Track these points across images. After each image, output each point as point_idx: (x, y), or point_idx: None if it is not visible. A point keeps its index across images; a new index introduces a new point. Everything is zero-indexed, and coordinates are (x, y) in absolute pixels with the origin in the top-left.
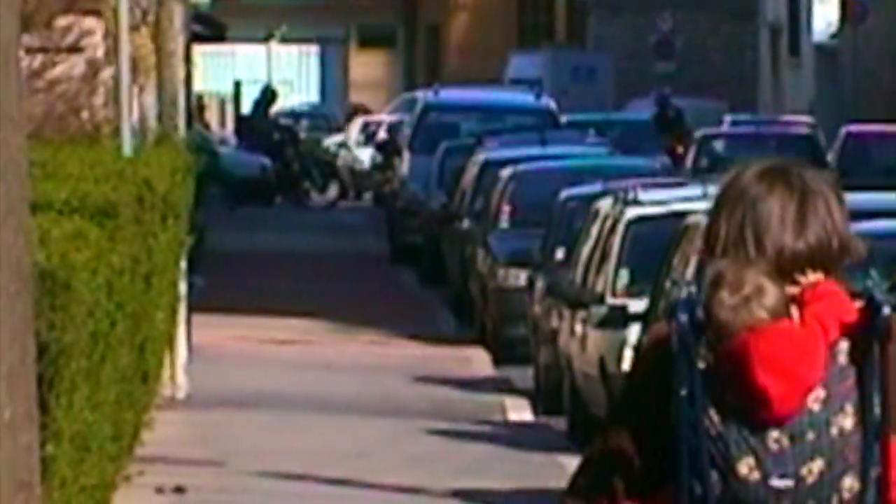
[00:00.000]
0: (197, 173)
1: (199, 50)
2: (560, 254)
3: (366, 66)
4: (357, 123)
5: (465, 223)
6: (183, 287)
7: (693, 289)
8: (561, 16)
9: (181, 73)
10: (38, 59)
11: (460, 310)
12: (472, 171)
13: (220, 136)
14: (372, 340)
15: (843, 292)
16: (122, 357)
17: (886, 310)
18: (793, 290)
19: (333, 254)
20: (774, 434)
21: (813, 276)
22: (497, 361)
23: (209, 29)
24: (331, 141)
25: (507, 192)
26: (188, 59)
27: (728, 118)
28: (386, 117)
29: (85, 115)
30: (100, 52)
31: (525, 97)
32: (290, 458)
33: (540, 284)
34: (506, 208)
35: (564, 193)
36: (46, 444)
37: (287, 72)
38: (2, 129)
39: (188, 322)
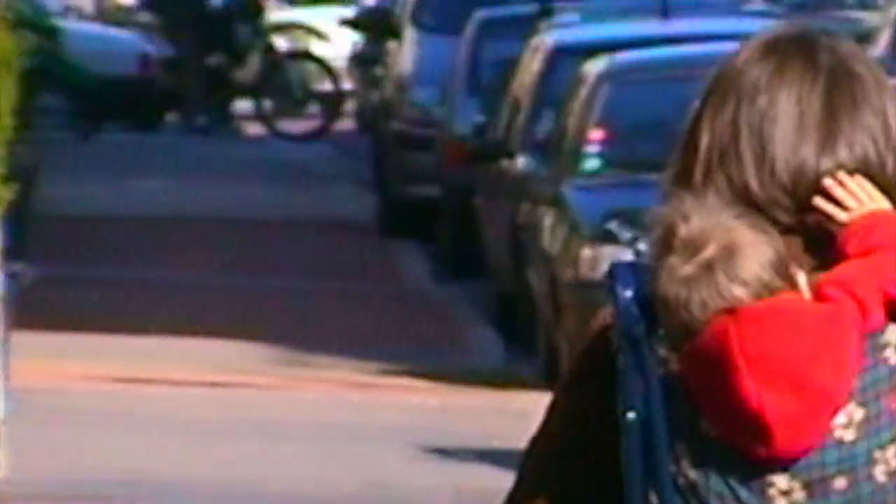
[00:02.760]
0: (23, 70)
1: None
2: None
3: None
4: None
5: (520, 162)
6: None
7: (643, 245)
8: None
9: None
10: None
11: (510, 323)
12: (531, 64)
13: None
14: (349, 381)
15: None
16: None
17: None
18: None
19: (278, 221)
20: (780, 481)
21: (867, 200)
22: None
23: None
24: (280, 16)
25: (599, 106)
26: None
27: None
28: None
29: None
30: None
31: None
32: None
33: None
34: (596, 134)
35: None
36: None
37: None
38: None
39: (3, 343)
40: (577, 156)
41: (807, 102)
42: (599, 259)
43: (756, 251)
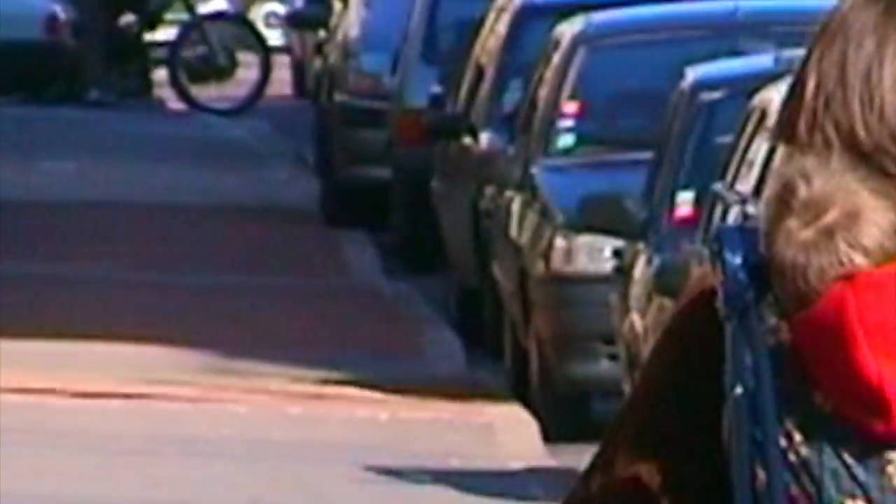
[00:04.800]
0: None
1: None
2: (684, 206)
3: None
4: None
5: (484, 139)
6: None
7: (752, 208)
8: None
9: None
10: None
11: (473, 324)
12: (496, 26)
13: None
14: (288, 391)
15: None
16: None
17: None
18: None
19: (205, 208)
20: None
21: None
22: (551, 437)
23: None
24: None
25: (574, 74)
26: None
27: None
28: None
29: None
30: None
31: None
32: None
33: (643, 269)
34: (569, 107)
35: (693, 75)
36: None
37: None
38: None
39: None
40: (549, 132)
41: None
42: (574, 250)
43: (879, 217)
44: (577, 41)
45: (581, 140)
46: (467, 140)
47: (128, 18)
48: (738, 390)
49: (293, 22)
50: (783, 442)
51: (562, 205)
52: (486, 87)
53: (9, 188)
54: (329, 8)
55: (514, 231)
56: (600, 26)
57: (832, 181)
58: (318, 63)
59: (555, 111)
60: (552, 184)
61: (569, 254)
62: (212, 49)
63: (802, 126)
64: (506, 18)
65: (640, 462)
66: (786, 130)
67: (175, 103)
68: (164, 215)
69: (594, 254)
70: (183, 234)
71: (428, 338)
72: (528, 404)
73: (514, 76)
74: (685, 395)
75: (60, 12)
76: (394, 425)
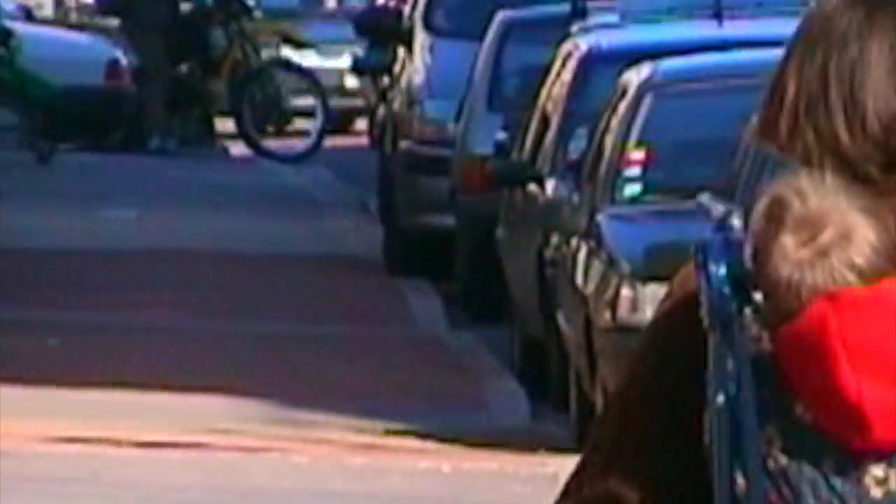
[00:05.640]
0: None
1: None
2: (739, 222)
3: None
4: None
5: (549, 187)
6: None
7: (736, 219)
8: None
9: None
10: None
11: (537, 374)
12: (562, 74)
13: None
14: (350, 442)
15: None
16: None
17: None
18: None
19: (267, 256)
20: (876, 470)
21: None
22: None
23: None
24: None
25: (641, 121)
26: None
27: None
28: None
29: None
30: None
31: None
32: None
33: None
34: (636, 155)
35: None
36: None
37: None
38: None
39: None
40: (616, 180)
41: None
42: (641, 300)
43: (871, 236)
44: (643, 88)
45: (647, 188)
46: (532, 188)
47: (189, 65)
48: (721, 398)
49: (357, 69)
50: (763, 449)
51: (628, 254)
52: (551, 134)
53: (71, 236)
54: (393, 54)
55: (579, 280)
56: (667, 73)
57: (827, 199)
58: (382, 110)
59: (621, 159)
60: (618, 232)
61: (635, 303)
62: (275, 96)
63: (783, 129)
64: (571, 65)
65: (618, 470)
66: (767, 132)
67: (237, 150)
68: (226, 264)
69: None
70: (245, 282)
71: (492, 388)
72: None
73: (580, 123)
74: (666, 399)
75: (122, 58)
76: (457, 477)
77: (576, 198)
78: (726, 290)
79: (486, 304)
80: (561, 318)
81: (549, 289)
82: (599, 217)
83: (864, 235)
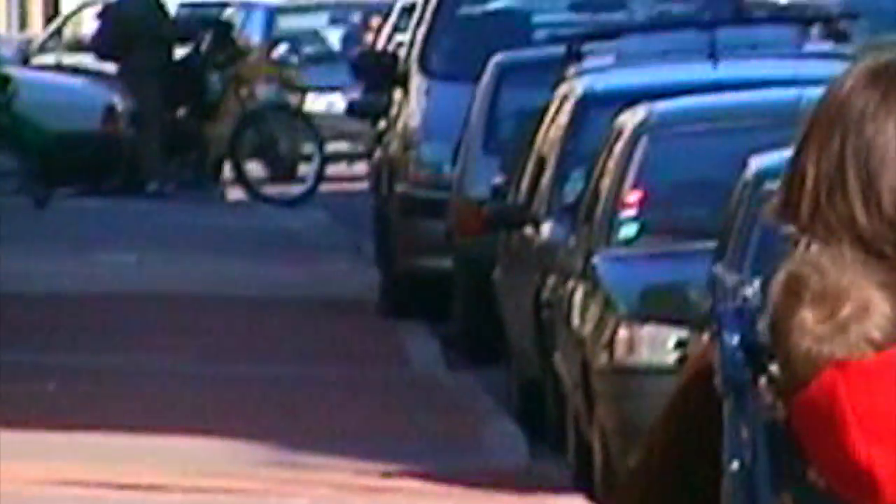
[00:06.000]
0: None
1: None
2: (752, 292)
3: None
4: (253, 14)
5: (546, 229)
6: None
7: (751, 290)
8: None
9: None
10: None
11: (535, 416)
12: (558, 116)
13: (19, 41)
14: (349, 484)
15: None
16: None
17: None
18: None
19: (265, 299)
20: None
21: None
22: None
23: None
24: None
25: (637, 163)
26: None
27: None
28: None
29: None
30: None
31: None
32: None
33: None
34: (632, 197)
35: (757, 165)
36: None
37: None
38: None
39: None
40: (612, 222)
41: None
42: (637, 341)
43: (888, 310)
44: (639, 130)
45: (643, 230)
46: (529, 230)
47: (186, 109)
48: (735, 464)
49: (353, 112)
50: None
51: (624, 295)
52: (547, 176)
53: (68, 280)
54: (389, 97)
55: (576, 322)
56: (663, 115)
57: (845, 275)
58: (378, 153)
59: (617, 201)
60: (614, 274)
61: (632, 345)
62: (272, 139)
63: (805, 211)
64: (567, 108)
65: None
66: (789, 212)
67: (234, 194)
68: (223, 307)
69: (657, 345)
70: (242, 326)
71: (490, 430)
72: (591, 497)
73: (576, 166)
74: (685, 470)
75: (118, 103)
76: None
77: (572, 240)
78: (740, 358)
79: (483, 345)
80: (558, 360)
81: (546, 330)
82: (596, 259)
83: (882, 310)
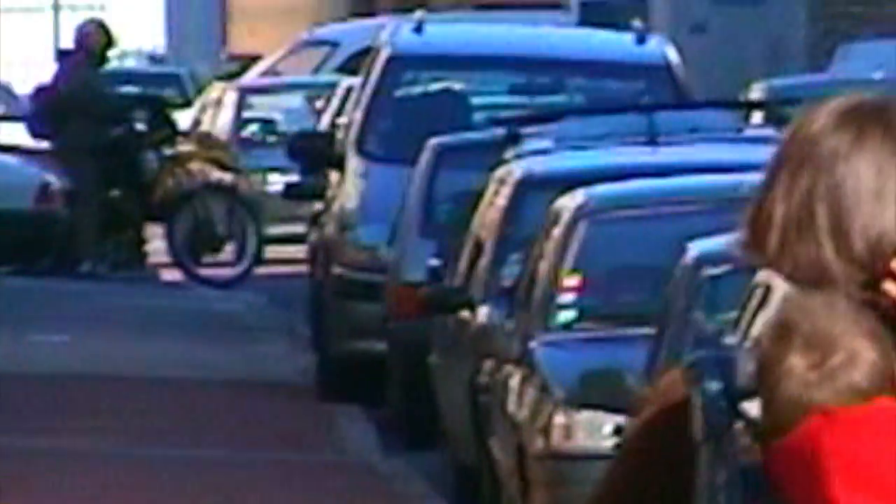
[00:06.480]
0: None
1: None
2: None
3: None
4: (227, 94)
5: (482, 313)
6: None
7: (729, 337)
8: None
9: None
10: None
11: (471, 501)
12: (495, 199)
13: None
14: None
15: None
16: None
17: None
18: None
19: (199, 382)
20: None
21: None
22: None
23: None
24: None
25: (575, 247)
26: None
27: None
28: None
29: None
30: None
31: (612, 40)
32: None
33: None
34: (569, 282)
35: (696, 250)
36: None
37: None
38: None
39: None
40: (549, 306)
41: (887, 174)
42: (574, 427)
43: (876, 359)
44: (577, 214)
45: (581, 315)
46: (465, 314)
47: (121, 188)
48: None
49: (289, 193)
50: None
51: (561, 381)
52: (484, 260)
53: (1, 361)
54: (326, 178)
55: (512, 407)
56: (601, 199)
57: (836, 323)
58: (314, 235)
59: (555, 285)
60: (551, 359)
61: (568, 431)
62: (208, 220)
63: (773, 246)
64: (505, 191)
65: None
66: (755, 245)
67: (169, 275)
68: (156, 389)
69: (594, 431)
70: (175, 408)
71: None
72: None
73: (514, 249)
74: (642, 502)
75: (53, 182)
76: None
77: (509, 324)
78: (722, 404)
79: (419, 430)
80: (494, 445)
81: (483, 415)
82: (533, 344)
83: (869, 359)
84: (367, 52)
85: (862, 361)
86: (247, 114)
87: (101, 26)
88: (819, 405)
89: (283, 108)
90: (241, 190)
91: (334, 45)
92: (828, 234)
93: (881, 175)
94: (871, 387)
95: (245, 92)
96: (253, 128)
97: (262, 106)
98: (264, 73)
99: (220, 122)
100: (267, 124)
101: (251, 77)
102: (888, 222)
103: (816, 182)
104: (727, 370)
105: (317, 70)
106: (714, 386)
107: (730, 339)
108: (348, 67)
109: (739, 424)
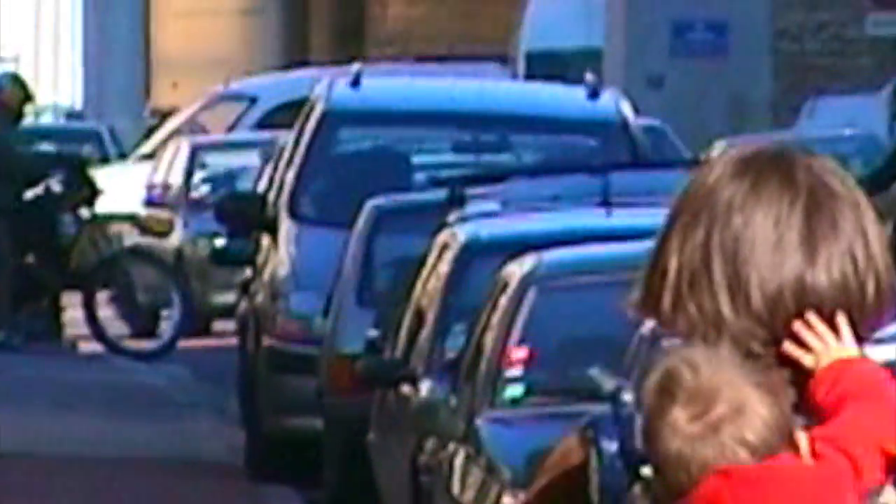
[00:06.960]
0: None
1: None
2: (629, 397)
3: (191, 24)
4: (179, 150)
5: (424, 388)
6: None
7: (627, 394)
8: None
9: None
10: None
11: None
12: (438, 266)
13: None
14: None
15: (890, 384)
16: None
17: None
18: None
19: (120, 461)
20: None
21: (834, 345)
22: None
23: None
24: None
25: (523, 317)
26: None
27: None
28: (235, 137)
29: None
30: None
31: (562, 94)
32: None
33: None
34: (517, 354)
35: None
36: None
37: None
38: None
39: None
40: (496, 381)
41: (785, 224)
42: None
43: (764, 411)
44: (526, 282)
45: (530, 390)
46: (406, 389)
47: (36, 254)
48: None
49: (217, 259)
50: None
51: (509, 461)
52: (426, 331)
53: None
54: (257, 243)
55: (456, 489)
56: (552, 266)
57: (720, 374)
58: (244, 304)
59: (502, 358)
60: (498, 437)
61: None
62: (129, 288)
63: (667, 304)
64: (448, 256)
65: None
66: (649, 305)
67: (88, 346)
68: (75, 468)
69: None
70: (95, 489)
71: None
72: None
73: (458, 319)
74: None
75: None
76: None
77: (453, 400)
78: (619, 466)
79: None
80: None
81: (425, 497)
82: (478, 421)
83: (757, 411)
84: (286, 108)
85: (749, 414)
86: (200, 173)
87: (17, 80)
88: (712, 463)
89: (238, 167)
90: (186, 255)
91: (252, 99)
92: (724, 287)
93: (779, 225)
94: (760, 441)
95: (197, 149)
96: (204, 188)
97: (216, 164)
98: (176, 131)
99: (172, 181)
100: (219, 184)
101: (163, 134)
102: (787, 275)
103: (712, 233)
104: (624, 429)
105: (233, 126)
106: (611, 446)
107: (628, 396)
108: (267, 123)
109: (637, 487)
